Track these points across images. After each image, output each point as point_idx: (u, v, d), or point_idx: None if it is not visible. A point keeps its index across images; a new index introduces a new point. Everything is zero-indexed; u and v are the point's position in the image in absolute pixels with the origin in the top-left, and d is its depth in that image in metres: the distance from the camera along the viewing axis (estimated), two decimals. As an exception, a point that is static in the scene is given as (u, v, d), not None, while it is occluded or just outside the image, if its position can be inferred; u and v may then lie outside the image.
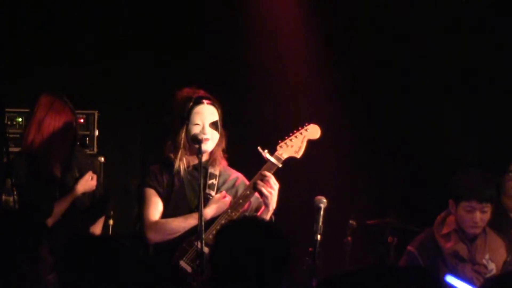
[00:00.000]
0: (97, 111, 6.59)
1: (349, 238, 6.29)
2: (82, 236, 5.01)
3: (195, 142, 5.30)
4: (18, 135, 6.15)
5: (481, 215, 5.61)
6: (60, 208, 5.65)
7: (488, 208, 5.62)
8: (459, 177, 5.74)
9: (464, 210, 5.63)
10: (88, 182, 5.76)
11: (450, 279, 5.44)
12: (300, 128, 5.44)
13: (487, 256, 5.66)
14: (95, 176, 5.81)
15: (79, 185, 5.73)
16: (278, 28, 7.28)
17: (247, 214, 5.33)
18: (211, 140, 5.37)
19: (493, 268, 5.67)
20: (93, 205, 5.88)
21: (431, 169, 7.19)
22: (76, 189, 5.71)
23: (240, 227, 3.83)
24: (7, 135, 5.86)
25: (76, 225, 5.70)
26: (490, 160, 6.86)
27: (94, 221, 5.89)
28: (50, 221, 5.53)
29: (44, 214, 5.50)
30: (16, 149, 5.85)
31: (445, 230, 5.72)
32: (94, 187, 5.80)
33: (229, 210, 5.28)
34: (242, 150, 5.77)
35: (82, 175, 5.78)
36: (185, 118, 5.37)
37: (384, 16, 7.30)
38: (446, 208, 5.76)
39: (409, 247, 5.72)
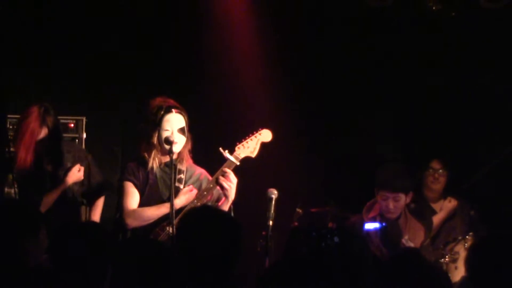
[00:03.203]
0: (84, 117, 6.98)
1: (296, 223, 6.69)
2: (69, 222, 5.43)
3: (167, 143, 5.73)
4: (17, 138, 6.35)
5: (394, 203, 6.08)
6: (50, 198, 6.05)
7: (400, 198, 6.08)
8: (379, 170, 6.20)
9: (381, 198, 6.14)
10: (75, 174, 6.18)
11: (367, 226, 5.96)
12: (255, 132, 5.85)
13: (406, 237, 6.07)
14: (82, 168, 6.21)
15: (68, 177, 6.16)
16: (235, 40, 7.57)
17: (210, 204, 5.72)
18: (178, 143, 5.76)
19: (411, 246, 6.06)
20: (90, 189, 6.29)
21: (365, 166, 7.37)
22: (65, 180, 6.14)
23: (199, 214, 4.15)
24: (9, 137, 6.17)
25: (68, 212, 6.12)
26: (413, 158, 7.35)
27: (94, 202, 6.34)
28: (42, 209, 5.94)
29: (36, 204, 5.89)
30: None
31: (371, 214, 6.19)
32: (81, 178, 6.20)
33: (195, 201, 5.69)
34: (206, 150, 6.12)
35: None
36: (157, 124, 5.75)
37: (329, 26, 7.68)
38: (375, 198, 6.26)
39: None
